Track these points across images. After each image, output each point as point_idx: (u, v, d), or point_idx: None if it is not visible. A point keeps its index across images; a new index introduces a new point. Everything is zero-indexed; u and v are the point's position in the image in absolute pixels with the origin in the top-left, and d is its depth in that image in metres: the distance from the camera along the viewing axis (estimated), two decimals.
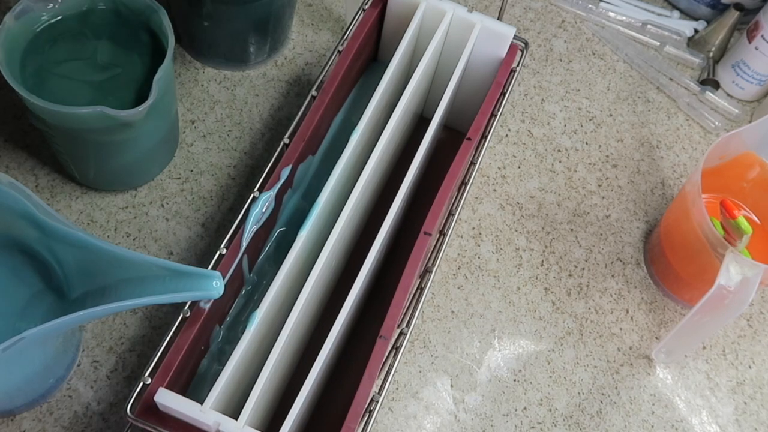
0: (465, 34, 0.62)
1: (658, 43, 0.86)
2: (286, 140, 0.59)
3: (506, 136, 0.78)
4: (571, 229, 0.73)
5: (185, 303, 0.50)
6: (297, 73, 0.78)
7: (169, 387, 0.47)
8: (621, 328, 0.69)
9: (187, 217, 0.68)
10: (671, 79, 0.84)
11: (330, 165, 0.55)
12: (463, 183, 0.61)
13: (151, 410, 0.47)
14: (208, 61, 0.77)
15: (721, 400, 0.67)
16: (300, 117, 0.60)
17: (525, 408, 0.64)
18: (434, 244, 0.58)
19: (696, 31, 0.88)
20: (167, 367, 0.48)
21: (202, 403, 0.45)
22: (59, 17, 0.62)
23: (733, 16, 0.84)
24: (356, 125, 0.56)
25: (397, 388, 0.63)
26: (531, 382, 0.65)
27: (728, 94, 0.85)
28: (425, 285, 0.55)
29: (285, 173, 0.56)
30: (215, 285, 0.47)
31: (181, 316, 0.50)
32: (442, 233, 0.58)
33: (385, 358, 0.51)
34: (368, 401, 0.49)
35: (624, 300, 0.70)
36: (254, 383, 0.46)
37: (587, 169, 0.77)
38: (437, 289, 0.68)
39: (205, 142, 0.72)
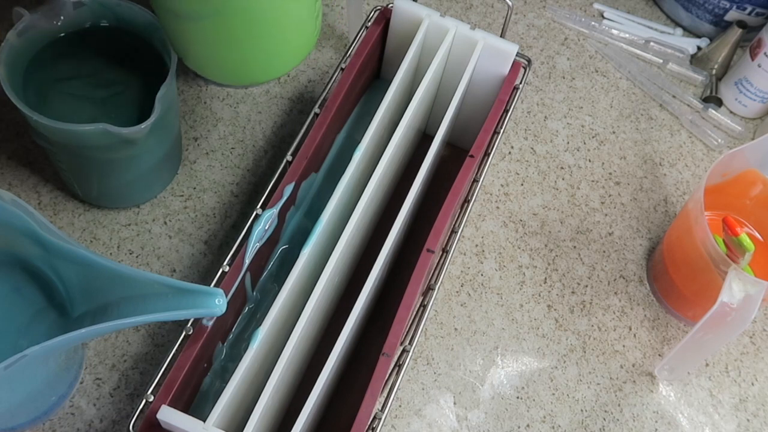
0: (468, 51, 0.62)
1: (661, 61, 0.87)
2: (288, 157, 0.59)
3: (509, 153, 0.78)
4: (574, 247, 0.73)
5: (188, 320, 0.50)
6: (300, 91, 0.78)
7: (172, 404, 0.47)
8: (624, 345, 0.69)
9: (190, 235, 0.68)
10: (674, 97, 0.84)
11: (333, 182, 0.55)
12: (466, 200, 0.61)
13: (153, 428, 0.47)
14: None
15: (724, 417, 0.67)
16: (303, 134, 0.60)
17: (528, 425, 0.64)
18: (437, 261, 0.58)
19: (699, 48, 0.88)
20: (170, 384, 0.48)
21: (204, 421, 0.45)
22: (62, 34, 0.62)
23: (735, 33, 0.84)
24: (359, 142, 0.56)
25: (400, 406, 0.63)
26: (534, 400, 0.65)
27: (731, 112, 0.85)
28: (428, 302, 0.56)
29: (288, 191, 0.56)
30: (218, 302, 0.47)
31: (183, 333, 0.50)
32: (445, 250, 0.58)
33: (387, 375, 0.51)
34: (371, 419, 0.49)
35: (627, 317, 0.70)
36: (257, 401, 0.46)
37: (590, 187, 0.77)
38: (440, 307, 0.68)
39: (209, 159, 0.73)
